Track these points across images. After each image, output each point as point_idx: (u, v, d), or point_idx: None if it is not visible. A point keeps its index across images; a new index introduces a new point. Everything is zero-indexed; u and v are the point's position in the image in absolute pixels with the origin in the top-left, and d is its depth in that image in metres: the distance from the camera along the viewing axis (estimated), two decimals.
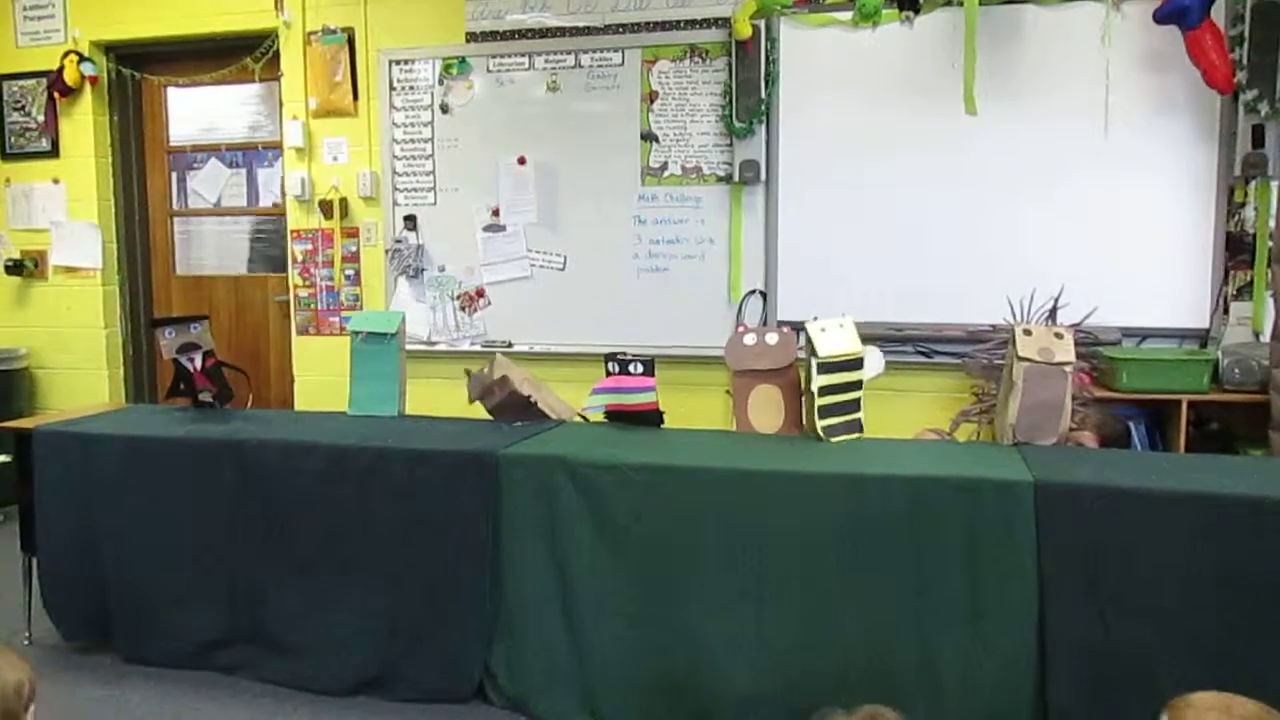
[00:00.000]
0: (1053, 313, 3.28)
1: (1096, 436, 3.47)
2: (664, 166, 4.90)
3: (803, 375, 3.24)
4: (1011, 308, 3.29)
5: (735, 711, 2.80)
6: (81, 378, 5.75)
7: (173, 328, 3.63)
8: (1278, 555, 2.45)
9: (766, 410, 3.29)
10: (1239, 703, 1.75)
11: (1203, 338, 4.37)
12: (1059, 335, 3.03)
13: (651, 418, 3.38)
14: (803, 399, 3.27)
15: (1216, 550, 2.48)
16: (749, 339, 3.35)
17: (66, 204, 5.71)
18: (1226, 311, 4.34)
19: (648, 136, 4.90)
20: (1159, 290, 4.39)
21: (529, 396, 3.44)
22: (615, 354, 3.40)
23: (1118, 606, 2.54)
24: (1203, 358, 4.13)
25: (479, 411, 3.62)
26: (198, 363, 3.63)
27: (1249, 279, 4.33)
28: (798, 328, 3.30)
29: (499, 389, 3.44)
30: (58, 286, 5.78)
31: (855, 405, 3.14)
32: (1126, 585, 2.54)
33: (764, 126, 4.68)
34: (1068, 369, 2.99)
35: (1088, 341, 3.38)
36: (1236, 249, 4.34)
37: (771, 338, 3.33)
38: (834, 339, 3.11)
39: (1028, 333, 3.05)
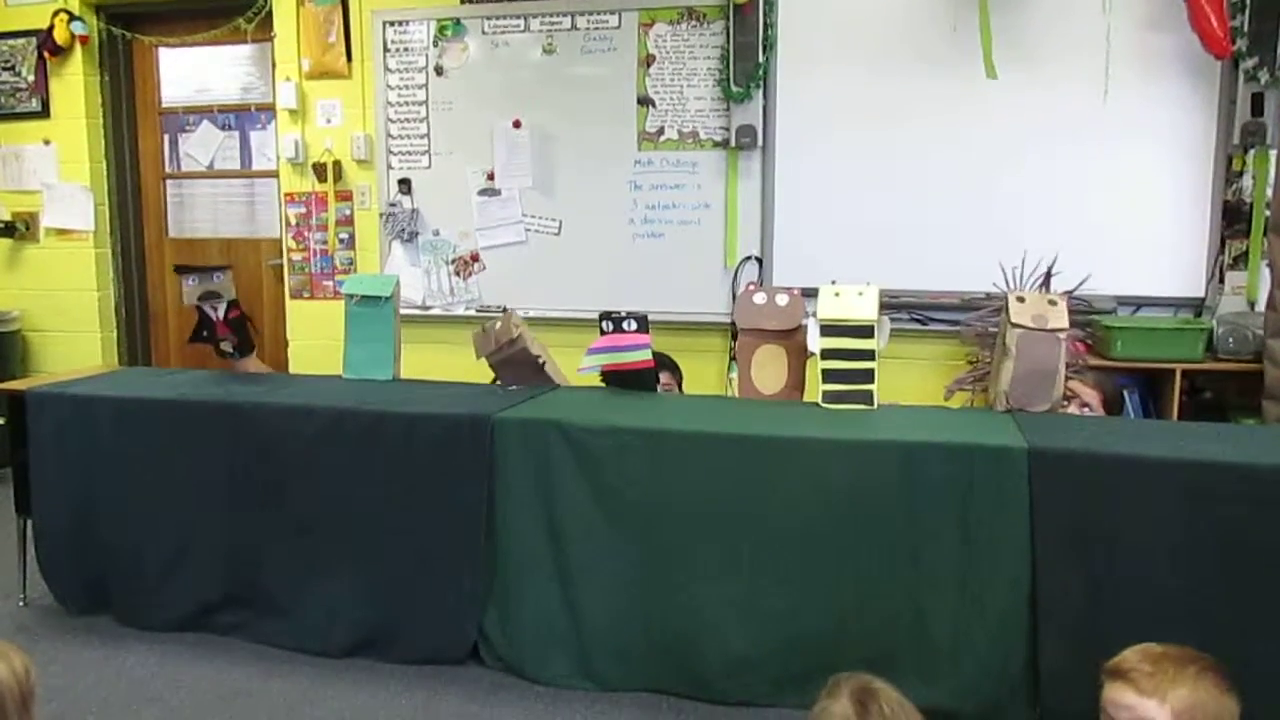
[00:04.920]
0: (1047, 280, 3.28)
1: (1100, 394, 3.48)
2: (660, 131, 4.87)
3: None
4: (1004, 275, 3.28)
5: (729, 674, 2.82)
6: (74, 340, 5.73)
7: (195, 275, 3.62)
8: (1269, 522, 2.47)
9: (770, 370, 3.29)
10: (1164, 646, 1.85)
11: (1198, 307, 4.38)
12: (1053, 302, 3.03)
13: (647, 377, 3.38)
14: (807, 362, 3.27)
15: (1208, 517, 2.50)
16: (759, 298, 3.34)
17: (58, 165, 5.67)
18: (1222, 281, 4.34)
19: (644, 101, 4.86)
20: (1155, 259, 4.39)
21: (538, 357, 3.43)
22: (609, 313, 3.39)
23: (1109, 571, 2.56)
24: (1197, 327, 4.14)
25: (473, 376, 3.62)
26: (220, 312, 3.62)
27: (1245, 248, 4.33)
28: (808, 293, 3.29)
29: (508, 345, 3.42)
30: (50, 249, 5.75)
31: (866, 375, 3.08)
32: (1118, 550, 2.55)
33: (761, 91, 4.65)
34: (1061, 335, 2.99)
35: (1083, 310, 3.38)
36: (1233, 218, 4.34)
37: (781, 299, 3.32)
38: (845, 304, 3.07)
39: (1021, 300, 3.05)
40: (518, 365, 3.44)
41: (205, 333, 3.67)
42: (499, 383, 3.53)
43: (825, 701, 1.64)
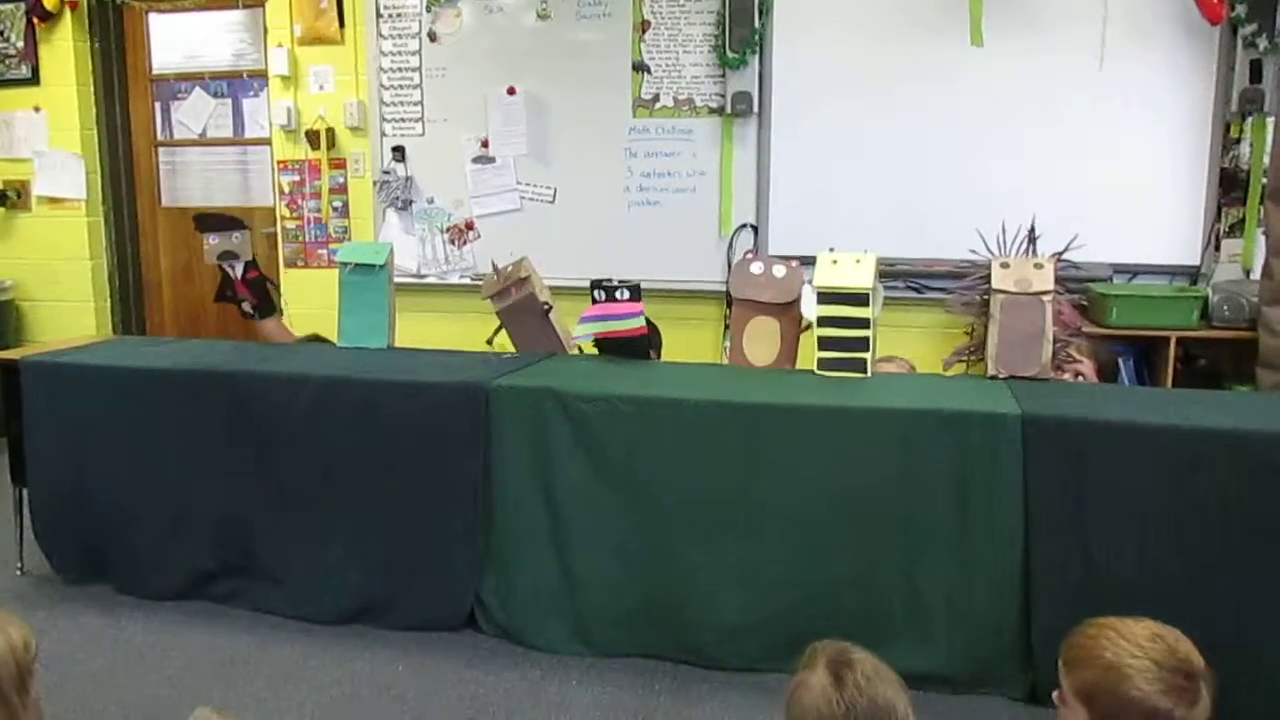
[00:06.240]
0: (1030, 242, 3.25)
1: (1095, 364, 3.49)
2: (655, 98, 4.83)
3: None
4: (985, 242, 3.25)
5: (724, 640, 2.84)
6: (68, 310, 5.71)
7: (215, 234, 3.65)
8: (1260, 488, 2.48)
9: (762, 342, 3.26)
10: (1125, 621, 1.78)
11: (1193, 274, 4.38)
12: (1039, 266, 3.03)
13: (641, 344, 3.37)
14: (802, 333, 3.26)
15: (1200, 483, 2.51)
16: (755, 267, 3.30)
17: (48, 133, 5.62)
18: (1218, 248, 4.34)
19: (639, 67, 4.82)
20: (1152, 227, 4.39)
21: (545, 304, 3.42)
22: (601, 281, 3.37)
23: (1102, 537, 2.58)
24: (1192, 294, 4.15)
25: (469, 344, 3.61)
26: (238, 271, 3.65)
27: (1241, 216, 4.32)
28: (803, 261, 3.28)
29: (517, 289, 3.41)
30: (42, 218, 5.71)
31: (860, 344, 3.07)
32: (1111, 516, 2.57)
33: (757, 57, 4.62)
34: (1046, 298, 2.99)
35: (1078, 277, 3.36)
36: (1230, 185, 4.33)
37: (779, 270, 3.28)
38: (842, 272, 3.06)
39: (1005, 265, 3.05)
40: (524, 313, 3.42)
41: (229, 292, 3.72)
42: (501, 344, 3.50)
43: (803, 673, 1.65)
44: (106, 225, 5.76)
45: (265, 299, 3.77)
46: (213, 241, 3.65)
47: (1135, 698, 1.66)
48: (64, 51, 5.54)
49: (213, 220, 3.75)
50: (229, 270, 3.65)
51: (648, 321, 3.91)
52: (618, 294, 3.31)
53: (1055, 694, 1.84)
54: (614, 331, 3.35)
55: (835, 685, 1.59)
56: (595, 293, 3.35)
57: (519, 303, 3.42)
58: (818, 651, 1.68)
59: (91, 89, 5.63)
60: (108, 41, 5.67)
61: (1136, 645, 1.70)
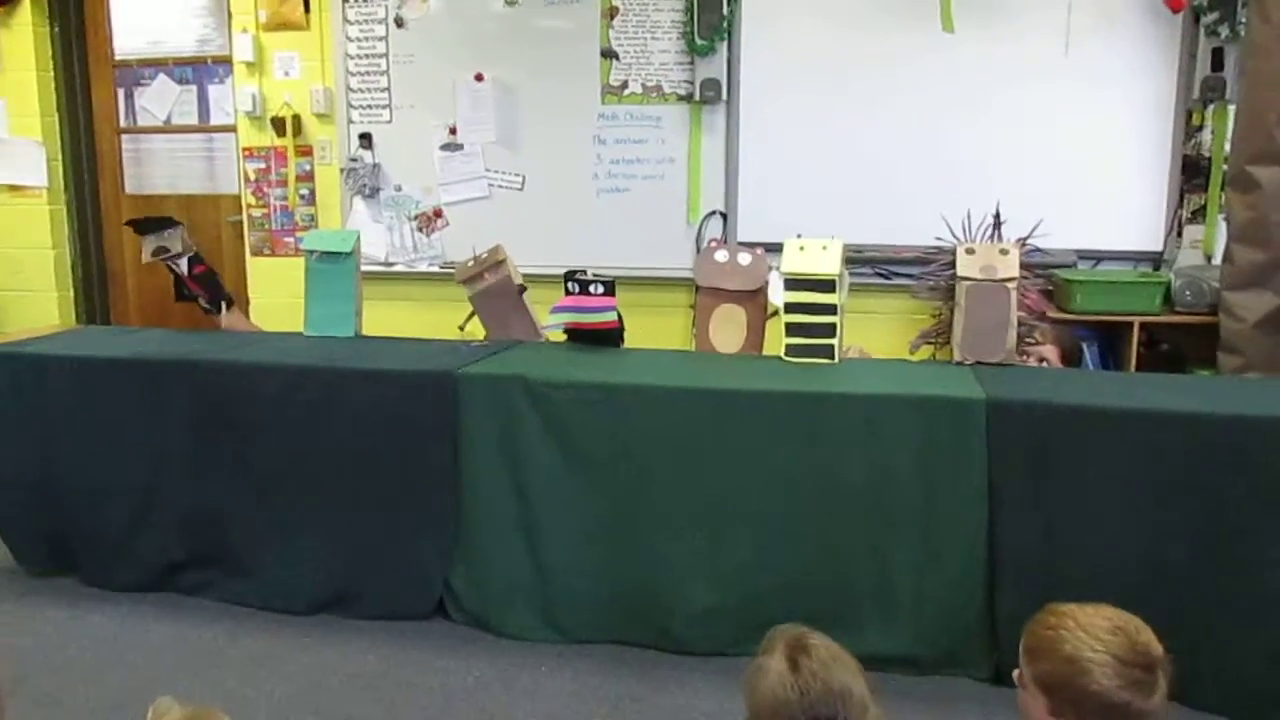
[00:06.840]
0: (996, 227, 3.27)
1: (1059, 349, 3.53)
2: (624, 85, 4.82)
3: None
4: (950, 228, 3.27)
5: (692, 625, 2.86)
6: (31, 300, 5.63)
7: (151, 235, 3.61)
8: (1220, 470, 2.51)
9: (728, 330, 3.28)
10: (1085, 609, 1.79)
11: (1156, 260, 4.43)
12: (1004, 252, 3.05)
13: (611, 337, 3.37)
14: (767, 323, 3.27)
15: (1163, 466, 2.55)
16: (720, 255, 3.31)
17: (8, 120, 5.53)
18: (1180, 234, 4.39)
19: (608, 54, 4.81)
20: (1115, 213, 4.43)
21: (520, 287, 3.41)
22: (575, 273, 3.37)
23: (1065, 520, 2.61)
24: (1155, 280, 4.20)
25: (438, 333, 3.59)
26: (184, 267, 3.61)
27: (1203, 202, 4.38)
28: (771, 248, 3.28)
29: (491, 274, 3.40)
30: (3, 206, 5.62)
31: (827, 330, 3.08)
32: (1074, 499, 2.60)
33: (726, 44, 4.62)
34: (1011, 285, 3.01)
35: (1043, 263, 3.38)
36: (1192, 172, 4.38)
37: (744, 258, 3.29)
38: (809, 259, 3.07)
39: (970, 252, 3.07)
40: (497, 298, 3.41)
41: (185, 291, 3.68)
42: (473, 330, 3.49)
43: (761, 658, 1.66)
44: (69, 214, 5.69)
45: (219, 292, 3.73)
46: (149, 241, 3.63)
47: (1095, 691, 1.67)
48: (23, 36, 5.44)
49: (146, 223, 3.71)
50: (175, 269, 3.62)
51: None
52: (592, 287, 3.30)
53: (1016, 674, 1.86)
54: (585, 324, 3.34)
55: (791, 670, 1.60)
56: (569, 284, 3.34)
57: (493, 287, 3.41)
58: (776, 636, 1.68)
59: (52, 74, 5.55)
60: (68, 26, 5.59)
61: (1096, 638, 1.71)
